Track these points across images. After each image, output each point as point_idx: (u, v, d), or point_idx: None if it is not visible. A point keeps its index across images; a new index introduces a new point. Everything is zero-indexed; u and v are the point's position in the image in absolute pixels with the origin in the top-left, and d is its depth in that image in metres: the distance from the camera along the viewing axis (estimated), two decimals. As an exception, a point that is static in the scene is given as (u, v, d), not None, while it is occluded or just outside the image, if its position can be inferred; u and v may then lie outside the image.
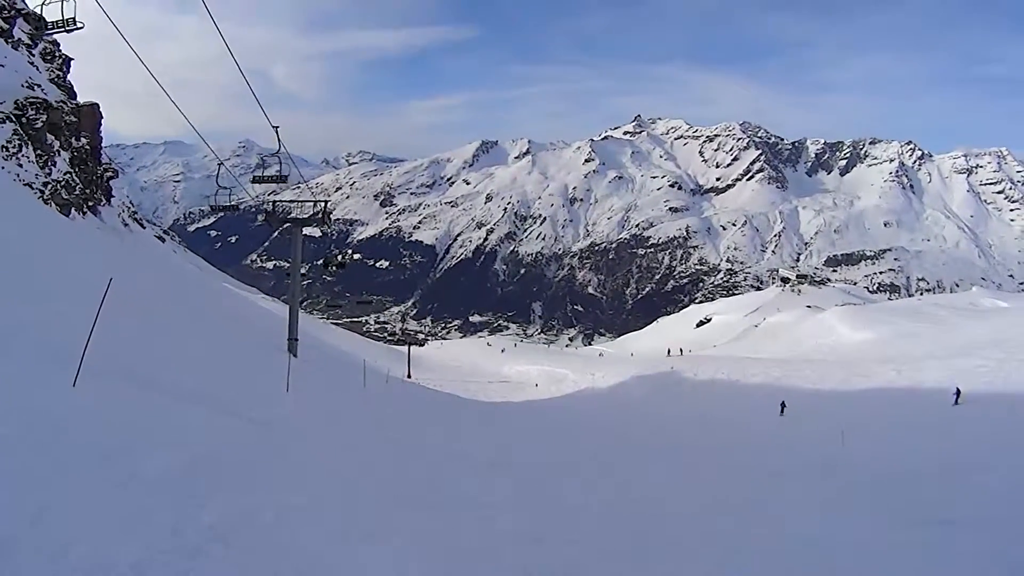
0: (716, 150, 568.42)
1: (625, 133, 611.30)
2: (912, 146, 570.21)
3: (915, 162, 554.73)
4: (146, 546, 6.62)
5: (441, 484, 15.02)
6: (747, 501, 18.94)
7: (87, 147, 42.26)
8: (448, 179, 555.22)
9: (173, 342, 20.94)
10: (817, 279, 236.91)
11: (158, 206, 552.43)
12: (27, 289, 16.55)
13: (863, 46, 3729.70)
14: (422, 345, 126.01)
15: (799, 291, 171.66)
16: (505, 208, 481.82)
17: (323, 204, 37.09)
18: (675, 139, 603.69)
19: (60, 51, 44.59)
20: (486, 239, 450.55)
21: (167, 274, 48.95)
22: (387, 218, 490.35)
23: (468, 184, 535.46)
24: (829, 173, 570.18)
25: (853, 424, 35.35)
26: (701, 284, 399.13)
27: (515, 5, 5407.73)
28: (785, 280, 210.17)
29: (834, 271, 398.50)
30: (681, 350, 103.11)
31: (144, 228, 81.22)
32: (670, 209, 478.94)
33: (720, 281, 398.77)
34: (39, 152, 36.42)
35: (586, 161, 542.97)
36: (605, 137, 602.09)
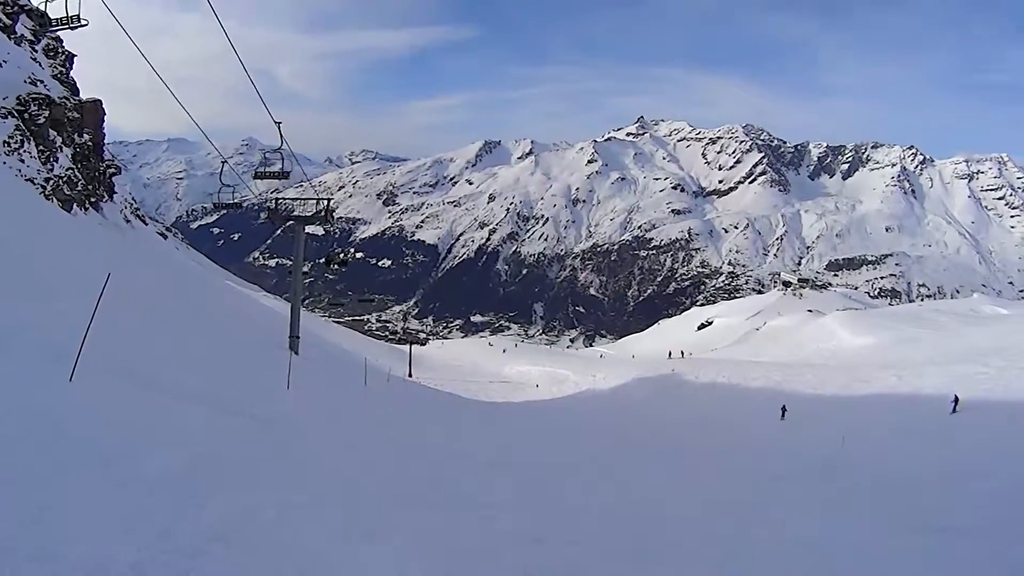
0: (719, 152, 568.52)
1: (628, 134, 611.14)
2: (914, 151, 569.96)
3: (917, 167, 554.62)
4: (147, 545, 6.59)
5: (442, 484, 14.99)
6: (747, 503, 18.92)
7: (90, 143, 42.25)
8: (451, 179, 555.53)
9: (175, 339, 20.92)
10: (818, 283, 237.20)
11: (161, 203, 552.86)
12: (28, 286, 16.53)
13: (866, 51, 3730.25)
14: (423, 344, 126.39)
15: (800, 295, 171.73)
16: (508, 208, 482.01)
17: (326, 202, 37.06)
18: (678, 141, 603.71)
19: (63, 47, 44.62)
20: (488, 239, 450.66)
21: (169, 271, 48.92)
22: (390, 217, 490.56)
23: (471, 184, 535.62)
24: (831, 177, 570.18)
25: (853, 429, 35.40)
26: (703, 287, 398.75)
27: (516, 5, 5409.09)
28: (787, 284, 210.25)
29: (835, 275, 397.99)
30: (682, 352, 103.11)
31: (146, 225, 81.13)
32: (672, 211, 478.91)
33: (722, 284, 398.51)
34: (41, 148, 36.41)
35: (589, 162, 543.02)
36: (608, 138, 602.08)
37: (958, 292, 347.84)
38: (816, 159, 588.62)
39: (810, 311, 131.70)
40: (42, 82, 38.32)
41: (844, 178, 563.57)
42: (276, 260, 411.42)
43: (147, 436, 9.86)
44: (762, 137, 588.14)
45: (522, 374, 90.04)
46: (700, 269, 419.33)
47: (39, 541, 6.05)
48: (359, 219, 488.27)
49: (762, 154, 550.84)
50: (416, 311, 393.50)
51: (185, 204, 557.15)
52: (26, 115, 35.76)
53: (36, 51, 41.63)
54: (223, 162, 36.84)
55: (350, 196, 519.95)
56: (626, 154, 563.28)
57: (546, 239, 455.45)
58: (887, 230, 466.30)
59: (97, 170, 43.39)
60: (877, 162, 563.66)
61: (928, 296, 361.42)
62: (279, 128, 29.77)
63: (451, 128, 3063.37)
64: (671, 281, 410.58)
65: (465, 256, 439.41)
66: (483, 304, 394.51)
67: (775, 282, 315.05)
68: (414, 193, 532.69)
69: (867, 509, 18.79)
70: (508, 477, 17.71)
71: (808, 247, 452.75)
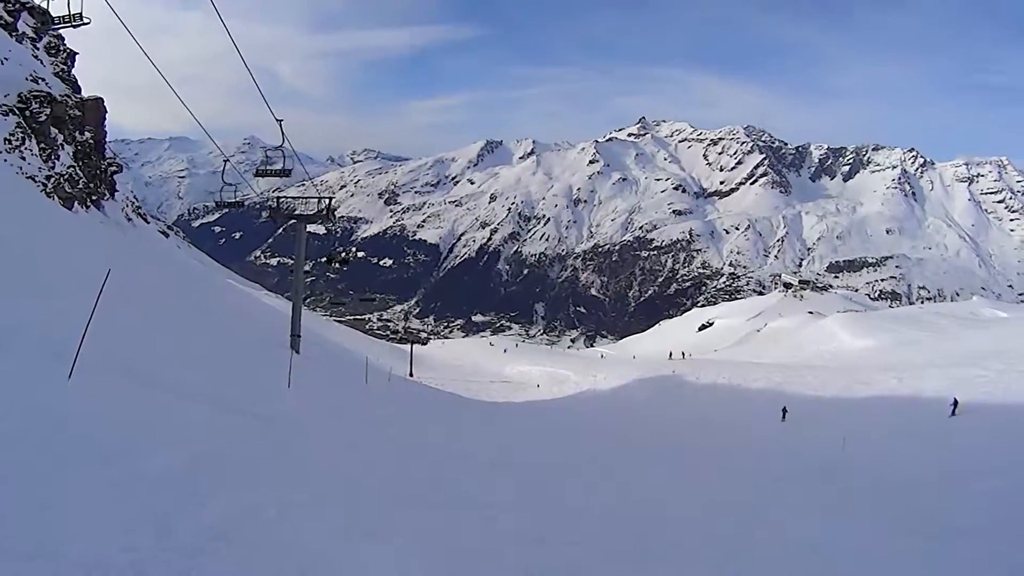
0: (720, 153, 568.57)
1: (629, 135, 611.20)
2: (914, 153, 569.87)
3: (917, 170, 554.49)
4: (147, 544, 6.58)
5: (443, 483, 14.98)
6: (748, 504, 18.93)
7: (91, 141, 42.21)
8: (452, 178, 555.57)
9: (176, 338, 20.90)
10: (819, 285, 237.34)
11: (162, 201, 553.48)
12: (29, 283, 16.52)
13: (867, 53, 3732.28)
14: (424, 344, 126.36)
15: (801, 297, 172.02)
16: (509, 208, 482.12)
17: (327, 201, 37.04)
18: (679, 142, 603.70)
19: (65, 45, 44.60)
20: (490, 239, 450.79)
21: (170, 269, 48.92)
22: (391, 216, 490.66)
23: (472, 184, 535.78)
24: (832, 179, 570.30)
25: (854, 431, 35.39)
26: (703, 288, 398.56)
27: (518, 5, 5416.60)
28: (787, 285, 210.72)
29: (836, 277, 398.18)
30: (683, 353, 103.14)
31: (148, 223, 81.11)
32: (674, 212, 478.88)
33: (722, 285, 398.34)
34: (42, 145, 36.40)
35: (590, 162, 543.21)
36: (610, 139, 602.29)
37: (958, 295, 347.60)
38: (817, 161, 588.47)
39: (811, 313, 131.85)
40: (43, 80, 38.31)
41: (845, 180, 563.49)
42: (277, 259, 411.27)
43: (148, 434, 9.85)
44: (763, 138, 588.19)
45: (523, 374, 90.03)
46: (701, 270, 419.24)
47: (40, 539, 6.04)
48: (361, 218, 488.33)
49: (763, 155, 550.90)
50: (417, 311, 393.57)
51: (187, 202, 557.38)
52: (27, 112, 35.76)
53: (38, 49, 41.61)
54: (225, 161, 36.90)
55: (352, 195, 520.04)
56: (628, 154, 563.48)
57: (547, 239, 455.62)
58: (887, 232, 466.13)
59: (98, 168, 43.37)
60: (878, 164, 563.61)
61: (928, 299, 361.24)
62: (280, 126, 29.79)
63: (453, 128, 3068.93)
64: (672, 282, 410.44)
65: (466, 256, 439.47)
66: (484, 304, 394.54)
67: (776, 283, 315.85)
68: (416, 192, 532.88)
69: (867, 511, 18.81)
70: (509, 477, 17.71)
71: (809, 249, 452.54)
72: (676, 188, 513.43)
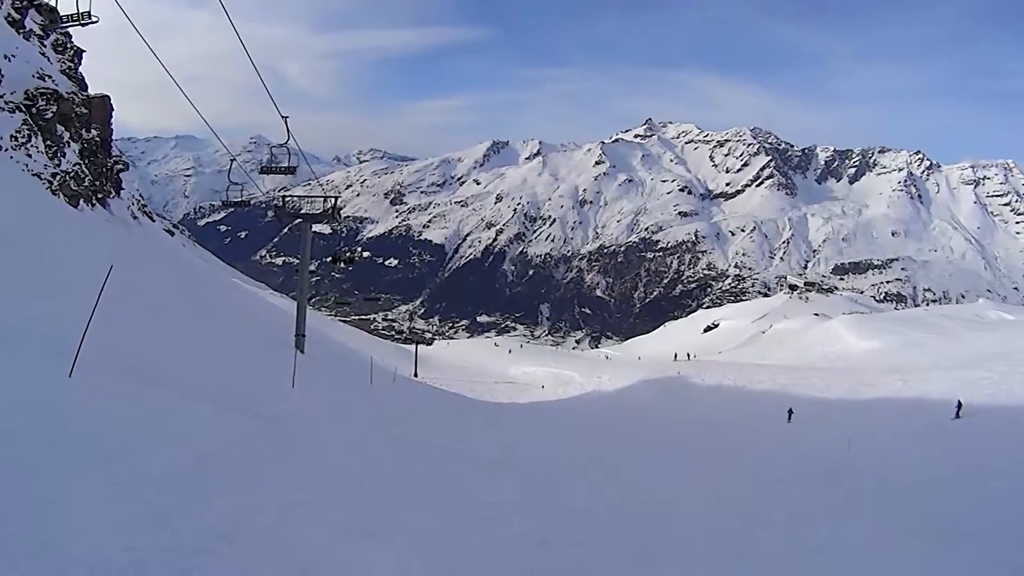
0: (726, 155, 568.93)
1: (636, 136, 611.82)
2: (920, 156, 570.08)
3: (923, 172, 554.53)
4: (149, 543, 6.55)
5: (446, 484, 14.94)
6: (753, 506, 18.89)
7: (97, 139, 42.28)
8: (458, 179, 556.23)
9: (181, 336, 20.90)
10: (824, 287, 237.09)
11: (168, 200, 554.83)
12: (34, 281, 16.54)
13: (874, 56, 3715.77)
14: (429, 344, 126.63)
15: (806, 298, 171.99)
16: (515, 209, 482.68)
17: (333, 200, 37.04)
18: (686, 143, 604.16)
19: (72, 43, 44.67)
20: (495, 239, 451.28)
21: (176, 268, 48.95)
22: (397, 216, 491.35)
23: (478, 184, 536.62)
24: (838, 181, 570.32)
25: (859, 432, 35.32)
26: (709, 289, 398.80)
27: (526, 7, 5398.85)
28: (793, 287, 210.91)
29: (841, 279, 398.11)
30: (688, 355, 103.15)
31: (153, 221, 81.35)
32: (679, 213, 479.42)
33: (728, 287, 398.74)
34: (48, 143, 36.45)
35: (596, 163, 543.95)
36: (616, 140, 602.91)
37: (963, 297, 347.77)
38: (823, 163, 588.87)
39: (816, 315, 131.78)
40: (50, 77, 38.38)
41: (851, 182, 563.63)
42: (283, 258, 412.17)
43: (151, 432, 9.82)
44: (769, 140, 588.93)
45: (528, 375, 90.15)
46: (706, 271, 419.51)
47: (42, 536, 6.01)
48: (366, 218, 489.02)
49: (769, 157, 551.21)
50: (422, 311, 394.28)
51: (192, 201, 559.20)
52: (34, 110, 35.81)
53: (45, 46, 41.70)
54: (232, 160, 36.87)
55: (357, 195, 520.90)
56: (634, 156, 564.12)
57: (553, 240, 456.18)
58: (893, 235, 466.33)
59: (104, 166, 43.43)
60: (884, 167, 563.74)
61: (933, 301, 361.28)
62: (286, 123, 29.75)
63: (459, 128, 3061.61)
64: (677, 283, 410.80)
65: (472, 256, 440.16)
66: (489, 304, 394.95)
67: (781, 285, 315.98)
68: (421, 193, 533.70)
69: (872, 512, 18.75)
70: (513, 478, 17.65)
71: (814, 251, 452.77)
72: (682, 189, 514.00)
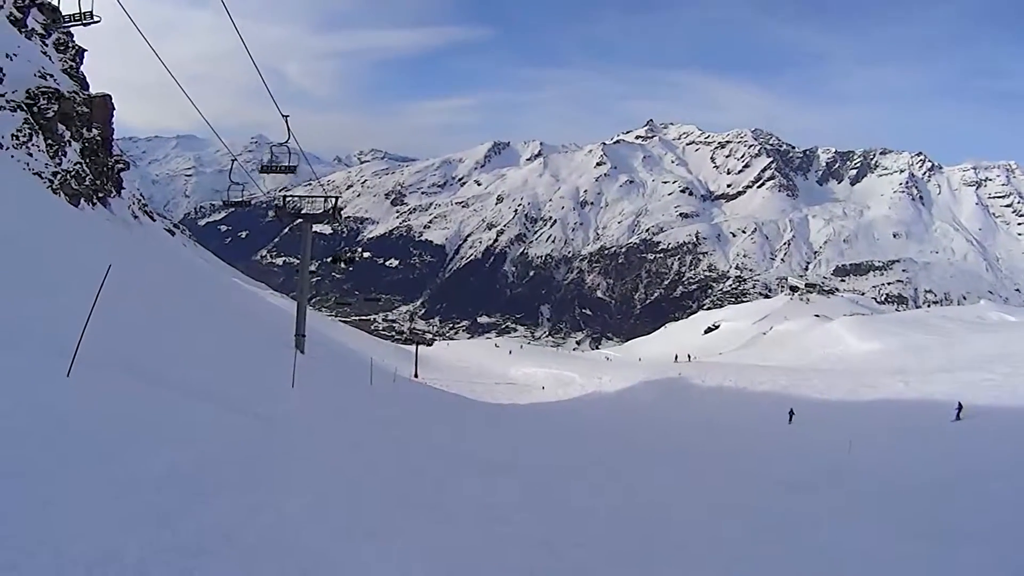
0: (727, 156, 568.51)
1: (637, 137, 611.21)
2: (922, 157, 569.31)
3: (925, 173, 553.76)
4: (150, 543, 6.53)
5: (446, 485, 14.91)
6: (754, 508, 18.86)
7: (98, 138, 42.26)
8: (459, 179, 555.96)
9: (181, 336, 20.89)
10: (825, 288, 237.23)
11: (169, 200, 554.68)
12: (35, 280, 16.52)
13: (874, 57, 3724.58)
14: (430, 345, 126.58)
15: (807, 300, 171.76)
16: (516, 210, 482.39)
17: (334, 200, 37.02)
18: (687, 144, 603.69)
19: (74, 42, 44.68)
20: (496, 240, 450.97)
21: (176, 267, 48.93)
22: (398, 217, 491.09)
23: (479, 185, 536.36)
24: (839, 182, 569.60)
25: (860, 434, 35.31)
26: (710, 290, 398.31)
27: (527, 7, 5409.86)
28: (794, 288, 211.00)
29: (842, 281, 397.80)
30: (689, 356, 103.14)
31: (154, 221, 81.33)
32: (680, 214, 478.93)
33: (729, 288, 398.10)
34: (50, 142, 36.43)
35: (598, 164, 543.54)
36: (617, 141, 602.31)
37: (965, 299, 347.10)
38: (824, 164, 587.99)
39: (817, 316, 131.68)
40: (52, 76, 38.35)
41: (852, 184, 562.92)
42: (283, 258, 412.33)
43: (152, 432, 9.81)
44: (771, 142, 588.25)
45: (528, 376, 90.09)
46: (707, 273, 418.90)
47: (42, 536, 5.98)
48: (367, 218, 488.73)
49: (771, 159, 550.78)
50: (423, 311, 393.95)
51: (193, 201, 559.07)
52: (35, 109, 35.80)
53: (46, 45, 41.70)
54: (233, 160, 36.82)
55: (358, 195, 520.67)
56: (635, 157, 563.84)
57: (554, 241, 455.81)
58: (894, 236, 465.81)
59: (105, 165, 43.41)
60: (885, 168, 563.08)
61: (935, 302, 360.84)
62: (286, 121, 29.70)
63: (460, 129, 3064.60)
64: (678, 284, 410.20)
65: (472, 257, 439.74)
66: (490, 305, 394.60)
67: (782, 287, 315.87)
68: (422, 193, 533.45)
69: (874, 514, 18.71)
70: (514, 479, 17.64)
71: (815, 252, 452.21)
72: (683, 191, 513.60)
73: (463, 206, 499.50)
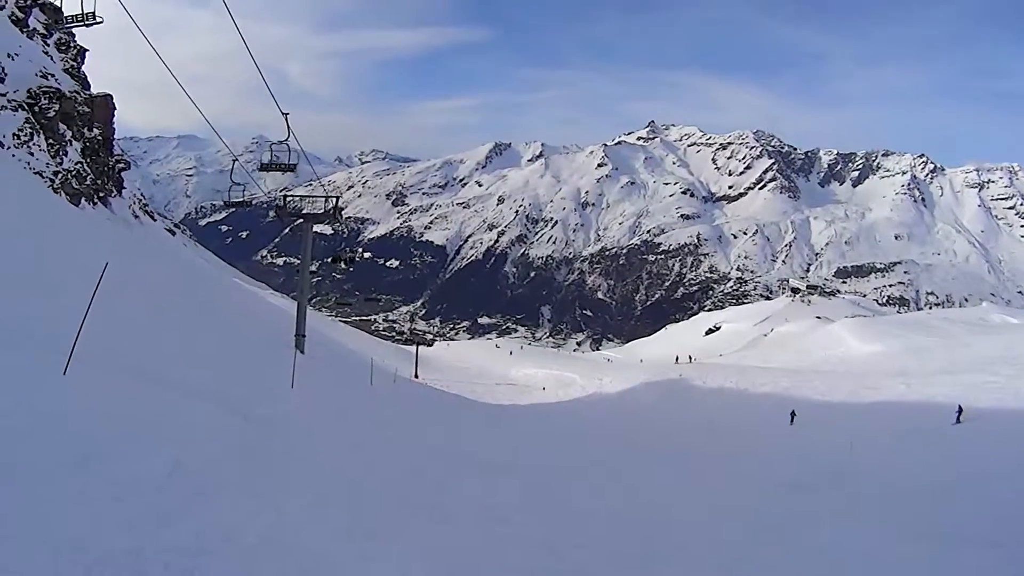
0: (729, 158, 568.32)
1: (638, 139, 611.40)
2: (924, 159, 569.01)
3: (927, 175, 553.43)
4: (149, 543, 6.51)
5: (446, 485, 14.90)
6: (755, 509, 18.84)
7: (99, 138, 42.25)
8: (461, 180, 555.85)
9: (181, 336, 20.86)
10: (827, 290, 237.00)
11: (170, 200, 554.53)
12: (36, 279, 16.49)
13: (878, 59, 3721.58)
14: (430, 345, 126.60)
15: (809, 301, 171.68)
16: (517, 211, 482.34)
17: (335, 200, 36.98)
18: (688, 146, 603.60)
19: (75, 42, 44.69)
20: (497, 241, 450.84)
21: (177, 267, 48.90)
22: (399, 217, 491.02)
23: (480, 186, 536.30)
24: (841, 184, 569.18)
25: (862, 436, 35.29)
26: (711, 292, 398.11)
27: (528, 8, 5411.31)
28: (795, 290, 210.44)
29: (844, 282, 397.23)
30: (690, 357, 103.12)
31: (155, 221, 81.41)
32: (682, 216, 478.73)
33: (730, 289, 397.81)
34: (51, 141, 36.42)
35: (599, 166, 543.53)
36: (618, 142, 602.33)
37: (967, 301, 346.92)
38: (826, 166, 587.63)
39: (818, 318, 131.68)
40: (53, 76, 38.34)
41: (854, 185, 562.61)
42: (284, 259, 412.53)
43: (151, 432, 9.78)
44: (772, 143, 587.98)
45: (529, 377, 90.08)
46: (708, 274, 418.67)
47: (42, 535, 5.97)
48: (368, 219, 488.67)
49: (772, 160, 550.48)
50: (423, 312, 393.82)
51: (194, 201, 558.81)
52: (36, 108, 35.79)
53: (48, 45, 41.72)
54: (234, 160, 36.81)
55: (359, 196, 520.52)
56: (636, 158, 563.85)
57: (554, 242, 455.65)
58: (896, 238, 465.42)
59: (106, 165, 43.40)
60: (887, 170, 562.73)
61: (936, 304, 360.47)
62: (286, 119, 29.63)
63: (462, 130, 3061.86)
64: (679, 286, 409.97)
65: (473, 258, 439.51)
66: (490, 306, 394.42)
67: (783, 288, 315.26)
68: (423, 194, 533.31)
69: (875, 516, 18.69)
70: (514, 479, 17.63)
71: (817, 254, 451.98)
72: (684, 192, 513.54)
73: (464, 207, 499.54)
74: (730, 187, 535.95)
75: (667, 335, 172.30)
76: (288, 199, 37.10)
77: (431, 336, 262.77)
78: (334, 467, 12.77)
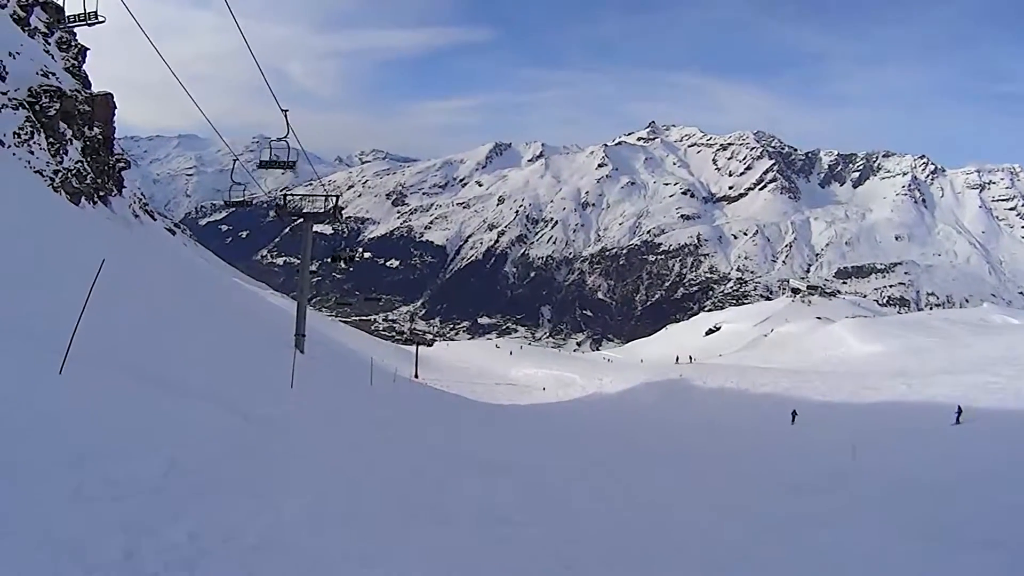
0: (729, 159, 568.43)
1: (639, 139, 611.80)
2: (925, 160, 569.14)
3: (928, 176, 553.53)
4: (148, 543, 6.48)
5: (446, 485, 14.89)
6: (755, 509, 18.82)
7: (100, 137, 42.20)
8: (461, 180, 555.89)
9: (181, 335, 20.84)
10: (827, 290, 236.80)
11: (170, 199, 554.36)
12: (36, 278, 16.48)
13: (878, 59, 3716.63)
14: (430, 346, 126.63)
15: (809, 302, 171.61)
16: (517, 211, 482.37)
17: (335, 199, 36.96)
18: (689, 146, 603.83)
19: (76, 41, 44.63)
20: (497, 241, 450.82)
21: (177, 267, 48.86)
22: (399, 217, 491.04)
23: (481, 186, 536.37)
24: (842, 185, 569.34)
25: (863, 436, 35.17)
26: (711, 292, 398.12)
27: (529, 8, 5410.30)
28: (795, 291, 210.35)
29: (844, 283, 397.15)
30: (690, 358, 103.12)
31: (155, 220, 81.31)
32: (682, 216, 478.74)
33: (730, 290, 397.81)
34: (51, 140, 36.38)
35: (599, 166, 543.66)
36: (619, 143, 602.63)
37: (967, 302, 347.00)
38: (827, 167, 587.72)
39: (819, 318, 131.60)
40: (54, 74, 38.29)
41: (855, 186, 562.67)
42: (284, 258, 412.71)
43: (151, 432, 9.81)
44: (773, 144, 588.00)
45: (529, 377, 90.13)
46: (708, 275, 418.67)
47: (37, 536, 5.94)
48: (368, 219, 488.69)
49: (772, 161, 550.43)
50: (423, 312, 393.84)
51: (194, 200, 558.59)
52: (37, 107, 35.75)
53: (49, 43, 41.66)
54: (234, 159, 36.78)
55: (359, 195, 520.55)
56: (636, 159, 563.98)
57: (555, 242, 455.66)
58: (897, 239, 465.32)
59: (106, 164, 43.34)
60: (888, 171, 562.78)
61: (937, 305, 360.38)
62: (285, 116, 29.59)
63: (462, 130, 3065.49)
64: (679, 286, 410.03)
65: (473, 258, 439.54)
66: (490, 306, 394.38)
67: (783, 289, 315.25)
68: (423, 194, 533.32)
69: (877, 516, 18.64)
70: (514, 480, 17.60)
71: (817, 254, 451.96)
72: (685, 193, 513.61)
73: (464, 207, 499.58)
74: (730, 188, 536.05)
75: (667, 335, 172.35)
76: (288, 198, 37.12)
77: (431, 336, 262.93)
78: (334, 467, 12.75)
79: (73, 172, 37.55)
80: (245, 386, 18.33)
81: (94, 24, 33.13)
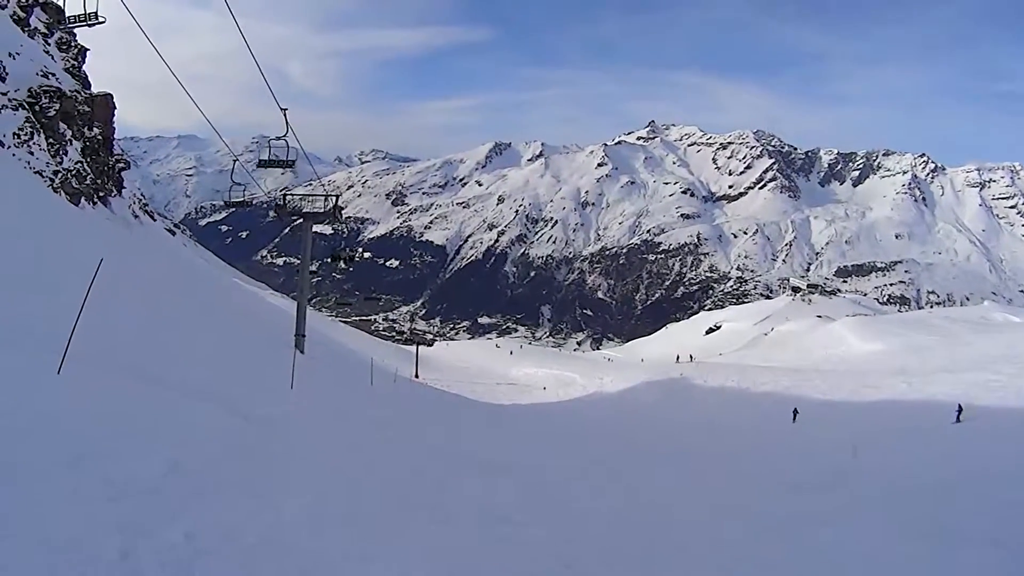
0: (729, 158, 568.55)
1: (639, 139, 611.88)
2: (925, 159, 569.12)
3: (928, 175, 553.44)
4: (147, 543, 6.47)
5: (446, 485, 14.86)
6: (755, 508, 18.77)
7: (99, 137, 42.19)
8: (461, 180, 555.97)
9: (180, 336, 20.85)
10: (827, 289, 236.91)
11: (170, 200, 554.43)
12: (35, 278, 16.48)
13: (879, 59, 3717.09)
14: (430, 345, 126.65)
15: (809, 301, 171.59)
16: (517, 210, 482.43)
17: (334, 199, 36.96)
18: (688, 146, 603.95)
19: (76, 41, 44.62)
20: (497, 241, 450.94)
21: (176, 267, 48.85)
22: (398, 217, 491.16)
23: (480, 185, 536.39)
24: (842, 184, 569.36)
25: (863, 435, 35.16)
26: (711, 291, 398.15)
27: (529, 8, 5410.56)
28: (795, 289, 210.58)
29: (844, 282, 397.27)
30: (691, 357, 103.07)
31: (155, 221, 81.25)
32: (682, 216, 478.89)
33: (730, 289, 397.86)
34: (51, 140, 36.36)
35: (599, 165, 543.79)
36: (619, 142, 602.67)
37: (968, 300, 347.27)
38: (827, 166, 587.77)
39: (819, 317, 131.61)
40: (54, 75, 38.29)
41: (855, 185, 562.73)
42: (284, 259, 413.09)
43: (150, 432, 9.77)
44: (773, 143, 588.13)
45: (529, 376, 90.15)
46: (708, 274, 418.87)
47: (35, 536, 5.93)
48: (368, 219, 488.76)
49: (772, 160, 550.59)
50: (423, 312, 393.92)
51: (194, 201, 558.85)
52: (37, 107, 35.74)
53: (49, 44, 41.66)
54: (234, 160, 36.80)
55: (359, 195, 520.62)
56: (636, 158, 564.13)
57: (555, 241, 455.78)
58: (897, 237, 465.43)
59: (106, 164, 43.33)
60: (888, 169, 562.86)
61: (937, 303, 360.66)
62: (284, 115, 29.60)
63: (462, 129, 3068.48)
64: (679, 285, 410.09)
65: (473, 257, 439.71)
66: (490, 306, 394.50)
67: (784, 287, 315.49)
68: (423, 193, 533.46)
69: (877, 516, 18.60)
70: (514, 480, 17.59)
71: (817, 253, 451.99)
72: (684, 192, 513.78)
73: (464, 206, 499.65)
74: (730, 187, 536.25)
75: (667, 334, 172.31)
76: (288, 199, 37.12)
77: (431, 336, 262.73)
78: (334, 467, 12.73)
79: (73, 173, 37.53)
80: (245, 386, 18.32)
81: (94, 25, 33.09)
